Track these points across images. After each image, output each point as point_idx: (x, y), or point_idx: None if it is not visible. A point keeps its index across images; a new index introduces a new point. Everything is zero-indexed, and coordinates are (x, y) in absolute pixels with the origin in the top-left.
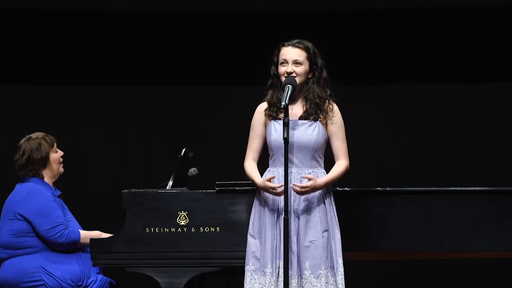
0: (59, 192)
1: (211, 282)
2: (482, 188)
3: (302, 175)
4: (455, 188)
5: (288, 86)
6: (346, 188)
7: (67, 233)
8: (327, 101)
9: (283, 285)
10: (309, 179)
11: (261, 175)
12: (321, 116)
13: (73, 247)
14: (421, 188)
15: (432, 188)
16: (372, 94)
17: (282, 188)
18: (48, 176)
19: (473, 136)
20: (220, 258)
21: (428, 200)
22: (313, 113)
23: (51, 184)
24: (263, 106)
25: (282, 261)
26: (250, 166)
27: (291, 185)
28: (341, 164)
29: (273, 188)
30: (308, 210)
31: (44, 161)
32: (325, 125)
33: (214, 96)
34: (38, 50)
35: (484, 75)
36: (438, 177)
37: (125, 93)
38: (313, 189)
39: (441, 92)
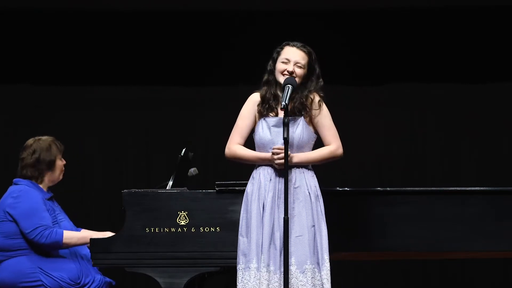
0: (50, 195)
1: (211, 282)
2: (482, 188)
3: (273, 147)
4: (455, 188)
5: (288, 86)
6: (346, 188)
7: (47, 233)
8: (310, 97)
9: (284, 285)
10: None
11: (250, 175)
12: (304, 112)
13: (55, 247)
14: (421, 188)
15: (432, 188)
16: (372, 94)
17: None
18: (47, 180)
19: (473, 136)
20: (220, 258)
21: (428, 200)
22: (297, 111)
23: (45, 188)
24: (257, 96)
25: (264, 256)
26: (240, 147)
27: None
28: (327, 147)
29: (277, 153)
30: (293, 205)
31: (50, 165)
32: (309, 119)
33: (215, 96)
34: (38, 50)
35: (484, 75)
36: (438, 177)
37: (125, 93)
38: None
39: (440, 92)
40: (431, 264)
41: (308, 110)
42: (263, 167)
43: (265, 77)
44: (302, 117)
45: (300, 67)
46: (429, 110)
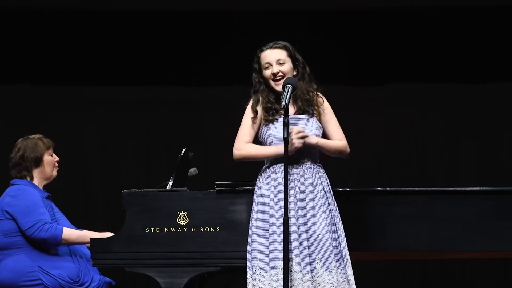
0: (47, 194)
1: (211, 282)
2: (482, 188)
3: (292, 128)
4: (455, 188)
5: (288, 86)
6: (346, 188)
7: (47, 227)
8: (315, 94)
9: (283, 284)
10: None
11: (258, 172)
12: (315, 111)
13: (54, 242)
14: (421, 188)
15: (432, 188)
16: (372, 94)
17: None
18: (39, 177)
19: (473, 136)
20: (220, 258)
21: (428, 200)
22: (307, 109)
23: (41, 186)
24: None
25: (296, 256)
26: (252, 145)
27: (291, 136)
28: (341, 141)
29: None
30: (313, 204)
31: (38, 161)
32: (318, 118)
33: (215, 96)
34: (38, 50)
35: (484, 75)
36: (438, 177)
37: (125, 93)
38: (307, 138)
39: (441, 92)
40: (431, 264)
41: (316, 107)
42: (279, 165)
43: (253, 89)
44: (314, 115)
45: (282, 63)
46: (429, 110)
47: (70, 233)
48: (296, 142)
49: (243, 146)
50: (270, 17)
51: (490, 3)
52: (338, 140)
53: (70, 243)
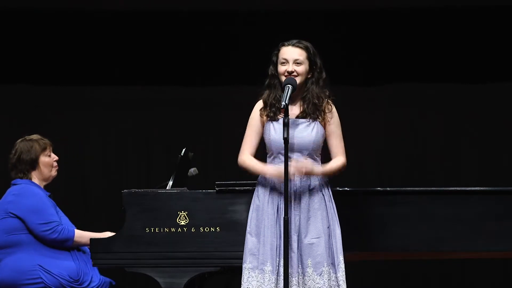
0: (48, 193)
1: (211, 282)
2: (482, 188)
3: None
4: (455, 188)
5: (288, 86)
6: (346, 188)
7: (60, 229)
8: (325, 101)
9: (283, 285)
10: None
11: (250, 175)
12: (320, 117)
13: (66, 244)
14: (421, 188)
15: (432, 188)
16: (372, 94)
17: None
18: (38, 179)
19: (473, 136)
20: (220, 258)
21: (428, 200)
22: (311, 113)
23: (41, 186)
24: (262, 104)
25: (282, 260)
26: (250, 158)
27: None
28: (339, 159)
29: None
30: (309, 207)
31: (33, 163)
32: (323, 125)
33: (215, 96)
34: (38, 50)
35: (484, 75)
36: (438, 177)
37: (125, 93)
38: (309, 171)
39: (441, 92)
40: (431, 264)
41: (323, 114)
42: (276, 167)
43: (267, 81)
44: (318, 120)
45: (299, 63)
46: (429, 110)
47: (81, 235)
48: (292, 176)
49: (241, 156)
50: (270, 17)
51: (490, 3)
52: (338, 154)
53: (80, 245)
